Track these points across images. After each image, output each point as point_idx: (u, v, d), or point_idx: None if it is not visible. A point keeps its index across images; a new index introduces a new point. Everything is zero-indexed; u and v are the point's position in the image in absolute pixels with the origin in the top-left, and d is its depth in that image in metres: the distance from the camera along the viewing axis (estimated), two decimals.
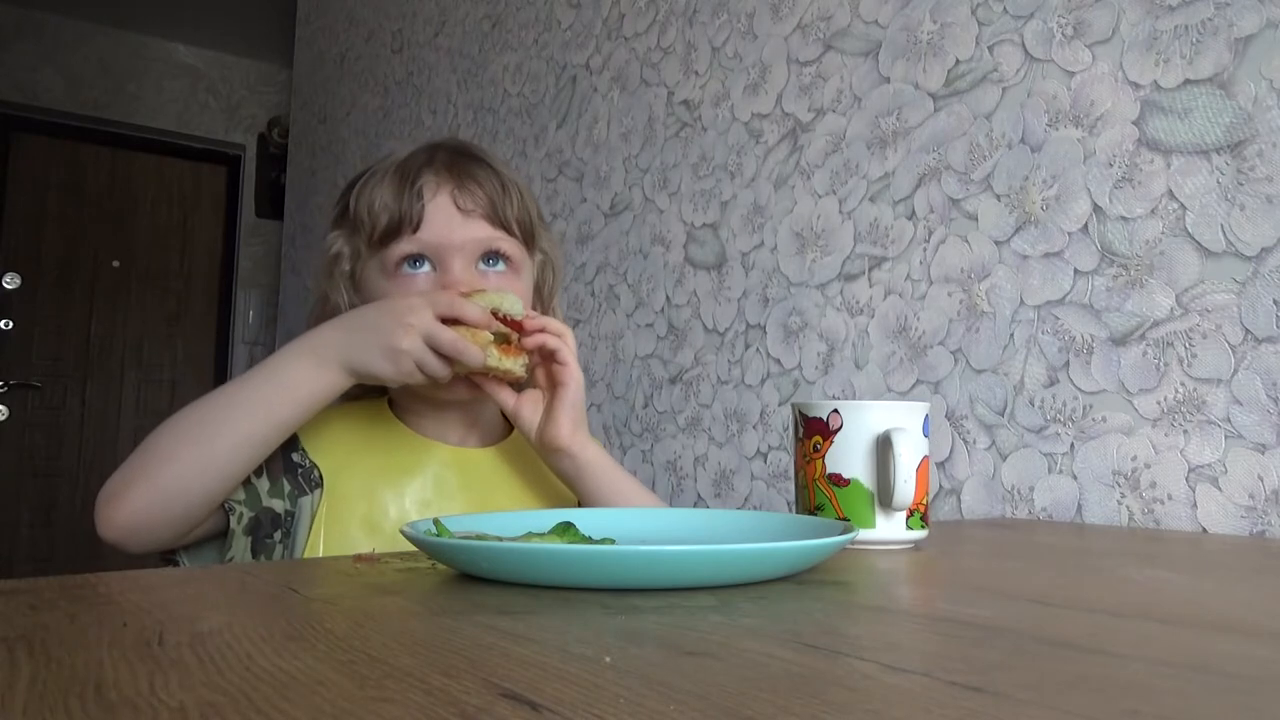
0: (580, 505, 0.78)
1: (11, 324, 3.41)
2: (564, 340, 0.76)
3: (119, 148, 3.72)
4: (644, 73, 1.57)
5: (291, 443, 0.76)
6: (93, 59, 3.68)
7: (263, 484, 0.73)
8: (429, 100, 2.35)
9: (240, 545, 0.72)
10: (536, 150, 1.85)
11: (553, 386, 0.76)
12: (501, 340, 0.73)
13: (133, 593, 0.40)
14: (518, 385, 0.79)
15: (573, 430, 0.75)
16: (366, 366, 0.69)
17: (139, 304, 3.70)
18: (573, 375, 0.76)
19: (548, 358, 0.76)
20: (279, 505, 0.73)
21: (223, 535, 0.73)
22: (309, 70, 3.31)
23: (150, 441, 0.67)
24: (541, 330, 0.75)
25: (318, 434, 0.77)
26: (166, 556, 0.73)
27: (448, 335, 0.68)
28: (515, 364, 0.73)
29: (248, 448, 0.68)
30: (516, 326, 0.74)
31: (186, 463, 0.66)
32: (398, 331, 0.67)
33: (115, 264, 3.66)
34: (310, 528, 0.73)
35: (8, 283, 3.40)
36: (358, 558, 0.51)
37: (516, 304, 0.73)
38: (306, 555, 0.72)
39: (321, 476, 0.75)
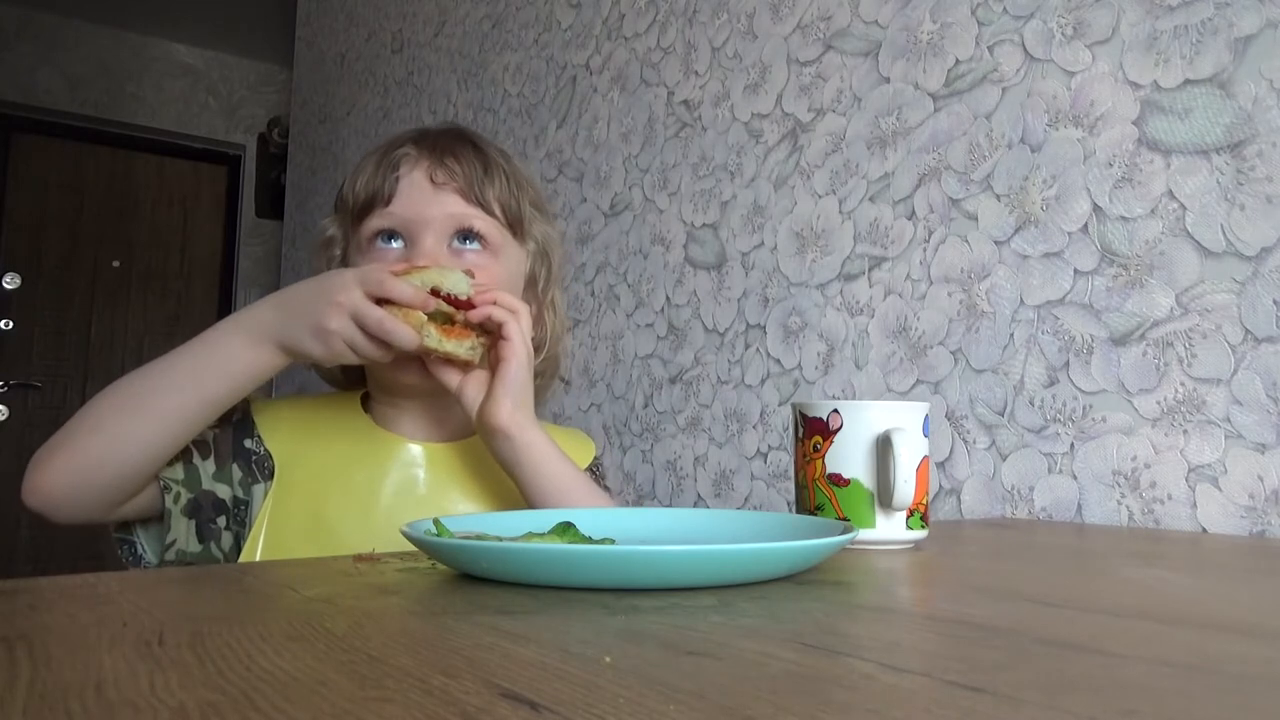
0: (523, 498, 0.72)
1: (11, 324, 3.41)
2: (515, 316, 0.71)
3: (119, 148, 3.72)
4: (644, 73, 1.57)
5: (247, 429, 0.74)
6: (93, 59, 3.68)
7: (208, 466, 0.71)
8: (429, 100, 2.35)
9: (181, 527, 0.69)
10: (536, 150, 1.85)
11: (496, 364, 0.71)
12: (446, 321, 0.68)
13: (133, 593, 0.40)
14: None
15: (512, 411, 0.69)
16: (298, 346, 0.65)
17: (139, 304, 3.71)
18: (515, 352, 0.70)
19: (496, 334, 0.71)
20: (224, 490, 0.71)
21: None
22: (309, 70, 3.31)
23: (81, 412, 0.65)
24: (493, 305, 0.70)
25: (276, 423, 0.75)
26: (120, 536, 0.72)
27: (374, 315, 0.64)
28: (460, 346, 0.69)
29: (175, 423, 0.65)
30: (465, 306, 0.69)
31: (110, 434, 0.63)
32: (326, 311, 0.64)
33: (115, 264, 3.66)
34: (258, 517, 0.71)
35: (8, 283, 3.41)
36: (358, 557, 0.51)
37: (461, 282, 0.68)
38: (247, 547, 0.70)
39: (274, 467, 0.73)
